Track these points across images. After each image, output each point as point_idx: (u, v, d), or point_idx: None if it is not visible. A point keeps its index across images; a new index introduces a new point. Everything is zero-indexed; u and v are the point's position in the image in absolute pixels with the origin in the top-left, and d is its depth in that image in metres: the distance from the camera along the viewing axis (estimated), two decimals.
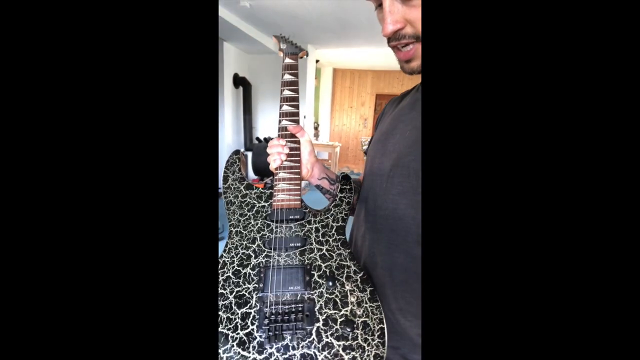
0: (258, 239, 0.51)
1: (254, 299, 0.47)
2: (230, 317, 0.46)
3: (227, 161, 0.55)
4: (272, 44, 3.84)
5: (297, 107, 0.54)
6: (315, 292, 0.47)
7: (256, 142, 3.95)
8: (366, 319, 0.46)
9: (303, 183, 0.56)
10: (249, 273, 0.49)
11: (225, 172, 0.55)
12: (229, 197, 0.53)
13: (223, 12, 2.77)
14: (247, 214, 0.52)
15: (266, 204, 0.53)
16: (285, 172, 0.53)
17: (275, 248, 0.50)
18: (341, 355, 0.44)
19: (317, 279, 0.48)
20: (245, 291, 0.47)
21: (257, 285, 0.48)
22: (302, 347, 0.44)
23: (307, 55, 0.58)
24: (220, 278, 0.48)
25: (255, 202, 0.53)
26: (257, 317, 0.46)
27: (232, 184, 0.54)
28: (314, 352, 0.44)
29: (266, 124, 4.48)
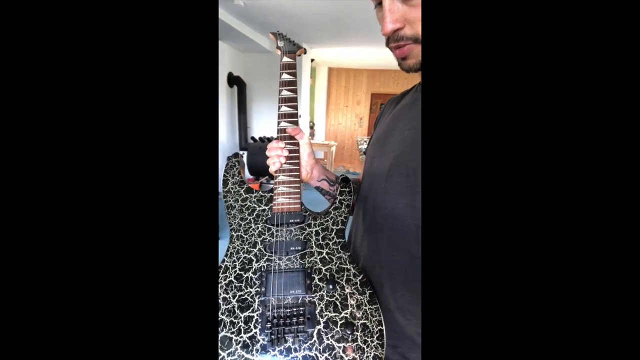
0: (259, 242, 0.51)
1: (256, 302, 0.47)
2: (234, 320, 0.46)
3: (227, 164, 0.56)
4: (267, 42, 3.81)
5: (295, 107, 0.54)
6: (316, 296, 0.48)
7: (251, 141, 3.92)
8: (365, 321, 0.47)
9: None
10: (251, 277, 0.49)
11: (224, 175, 0.55)
12: (229, 201, 0.54)
13: None
14: (247, 218, 0.53)
15: (266, 208, 0.53)
16: (284, 175, 0.53)
17: (276, 252, 0.50)
18: (341, 357, 0.45)
19: (318, 282, 0.49)
20: (248, 295, 0.48)
21: (259, 289, 0.48)
22: (303, 349, 0.45)
23: (305, 53, 0.56)
24: (223, 282, 0.49)
25: (255, 205, 0.53)
26: (259, 320, 0.46)
27: (232, 188, 0.54)
28: (315, 354, 0.45)
29: (261, 123, 4.45)
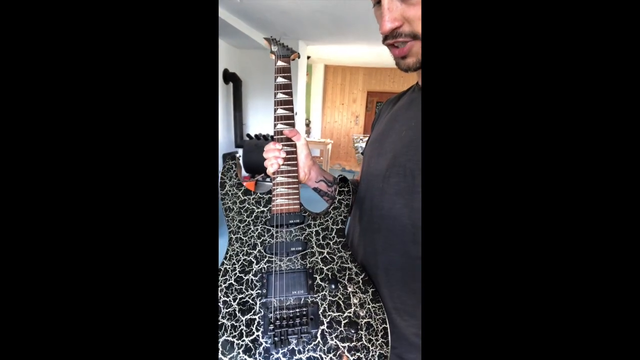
0: (259, 244, 0.51)
1: (258, 305, 0.47)
2: (235, 324, 0.46)
3: (224, 167, 0.55)
4: (262, 38, 3.79)
5: (291, 110, 0.54)
6: (319, 296, 0.48)
7: (247, 139, 3.90)
8: (369, 320, 0.47)
9: None
10: (252, 279, 0.49)
11: (222, 178, 0.54)
12: (227, 203, 0.53)
13: None
14: (246, 220, 0.52)
15: (265, 209, 0.53)
16: (283, 177, 0.53)
17: (277, 253, 0.50)
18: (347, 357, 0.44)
19: (320, 282, 0.48)
20: (249, 297, 0.47)
21: (260, 291, 0.48)
22: (307, 350, 0.44)
23: (299, 57, 0.57)
24: (223, 285, 0.48)
25: (254, 207, 0.53)
26: (261, 323, 0.46)
27: (230, 190, 0.54)
28: (320, 355, 0.44)
29: (257, 120, 4.42)
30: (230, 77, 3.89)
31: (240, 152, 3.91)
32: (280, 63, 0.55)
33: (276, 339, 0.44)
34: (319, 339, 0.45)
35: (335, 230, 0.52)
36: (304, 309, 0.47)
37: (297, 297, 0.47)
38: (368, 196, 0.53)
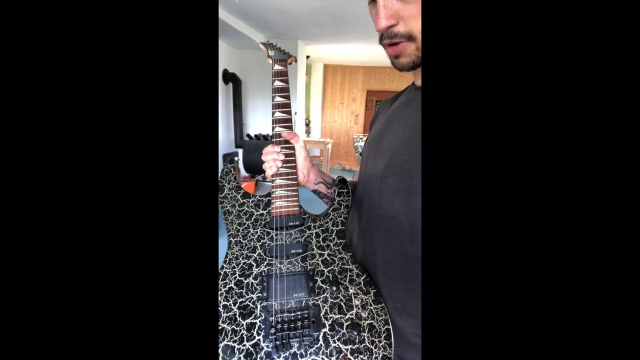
0: (258, 247, 0.50)
1: (259, 308, 0.46)
2: (235, 328, 0.45)
3: (222, 170, 0.55)
4: (262, 39, 3.80)
5: (289, 112, 0.54)
6: (320, 298, 0.47)
7: (247, 139, 3.90)
8: (372, 321, 0.46)
9: None
10: (252, 283, 0.48)
11: (220, 181, 0.54)
12: (226, 206, 0.53)
13: None
14: (245, 223, 0.52)
15: (264, 212, 0.52)
16: (282, 179, 0.52)
17: (277, 256, 0.49)
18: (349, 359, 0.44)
19: (321, 285, 0.48)
20: (249, 301, 0.47)
21: (260, 295, 0.47)
22: (310, 354, 0.44)
23: (295, 61, 0.58)
24: (223, 289, 0.48)
25: (253, 210, 0.52)
26: (262, 327, 0.45)
27: (229, 194, 0.53)
28: (322, 358, 0.44)
29: (256, 120, 4.42)
30: (229, 77, 3.90)
31: (240, 152, 3.91)
32: (277, 67, 0.55)
33: (277, 343, 0.44)
34: (321, 342, 0.45)
35: (335, 231, 0.52)
36: (305, 311, 0.46)
37: (298, 299, 0.47)
38: (366, 196, 0.52)
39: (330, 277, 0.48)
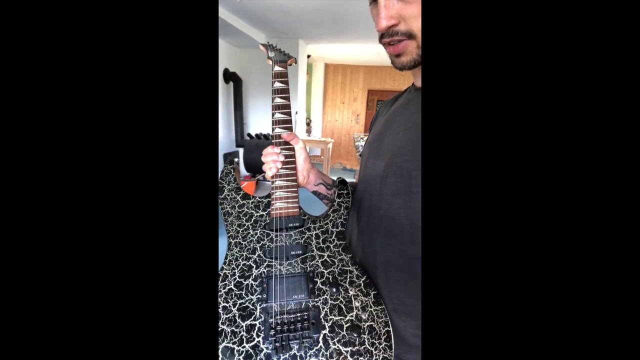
0: (258, 249, 0.50)
1: (258, 310, 0.46)
2: (235, 330, 0.45)
3: (222, 172, 0.55)
4: (263, 38, 3.79)
5: (289, 114, 0.54)
6: (320, 299, 0.47)
7: (248, 138, 3.90)
8: (372, 323, 0.46)
9: None
10: (251, 284, 0.48)
11: (220, 182, 0.54)
12: (226, 208, 0.53)
13: None
14: (245, 224, 0.51)
15: (264, 213, 0.52)
16: (281, 180, 0.52)
17: (277, 257, 0.49)
18: None
19: (321, 286, 0.48)
20: (249, 303, 0.47)
21: (260, 296, 0.47)
22: (309, 355, 0.44)
23: (295, 62, 0.58)
24: (222, 291, 0.47)
25: (253, 211, 0.52)
26: (262, 328, 0.45)
27: (229, 195, 0.53)
28: None
29: (257, 119, 4.42)
30: (230, 76, 3.89)
31: (241, 152, 3.91)
32: (277, 68, 0.55)
33: (277, 344, 0.44)
34: (320, 343, 0.44)
35: (335, 233, 0.51)
36: (305, 313, 0.46)
37: (298, 301, 0.47)
38: (366, 197, 0.52)
39: (330, 279, 0.48)
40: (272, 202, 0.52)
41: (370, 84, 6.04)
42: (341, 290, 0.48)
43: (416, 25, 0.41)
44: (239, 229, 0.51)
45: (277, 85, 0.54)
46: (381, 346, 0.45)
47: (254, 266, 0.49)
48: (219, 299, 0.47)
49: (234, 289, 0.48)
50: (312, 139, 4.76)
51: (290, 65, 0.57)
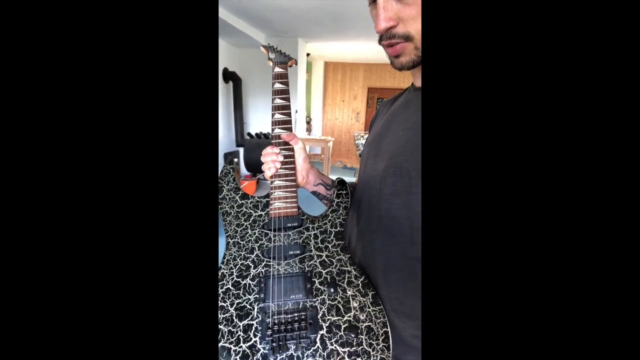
0: (256, 248, 0.50)
1: (256, 310, 0.46)
2: (232, 330, 0.45)
3: (221, 171, 0.54)
4: (262, 37, 3.78)
5: (289, 114, 0.54)
6: (317, 300, 0.47)
7: (248, 137, 3.90)
8: (370, 324, 0.46)
9: None
10: (249, 284, 0.48)
11: (219, 182, 0.54)
12: (225, 207, 0.52)
13: None
14: (243, 224, 0.51)
15: (263, 213, 0.52)
16: (280, 180, 0.52)
17: (275, 257, 0.49)
18: None
19: (319, 286, 0.48)
20: (246, 302, 0.47)
21: (257, 296, 0.47)
22: (306, 356, 0.44)
23: (296, 64, 0.59)
24: (220, 290, 0.47)
25: (251, 211, 0.52)
26: (259, 328, 0.45)
27: (227, 195, 0.53)
28: None
29: (257, 119, 4.41)
30: (230, 76, 3.88)
31: (241, 151, 3.91)
32: (277, 69, 0.55)
33: (274, 344, 0.44)
34: (318, 344, 0.44)
35: (333, 233, 0.51)
36: (303, 313, 0.46)
37: (296, 301, 0.47)
38: (365, 197, 0.52)
39: (329, 279, 0.48)
40: (271, 201, 0.51)
41: (370, 82, 6.03)
42: (339, 290, 0.48)
43: (414, 27, 0.41)
44: (237, 228, 0.51)
45: (278, 86, 0.54)
46: (379, 347, 0.45)
47: (252, 266, 0.49)
48: None
49: (232, 288, 0.48)
50: (312, 138, 4.75)
51: (291, 66, 0.57)
